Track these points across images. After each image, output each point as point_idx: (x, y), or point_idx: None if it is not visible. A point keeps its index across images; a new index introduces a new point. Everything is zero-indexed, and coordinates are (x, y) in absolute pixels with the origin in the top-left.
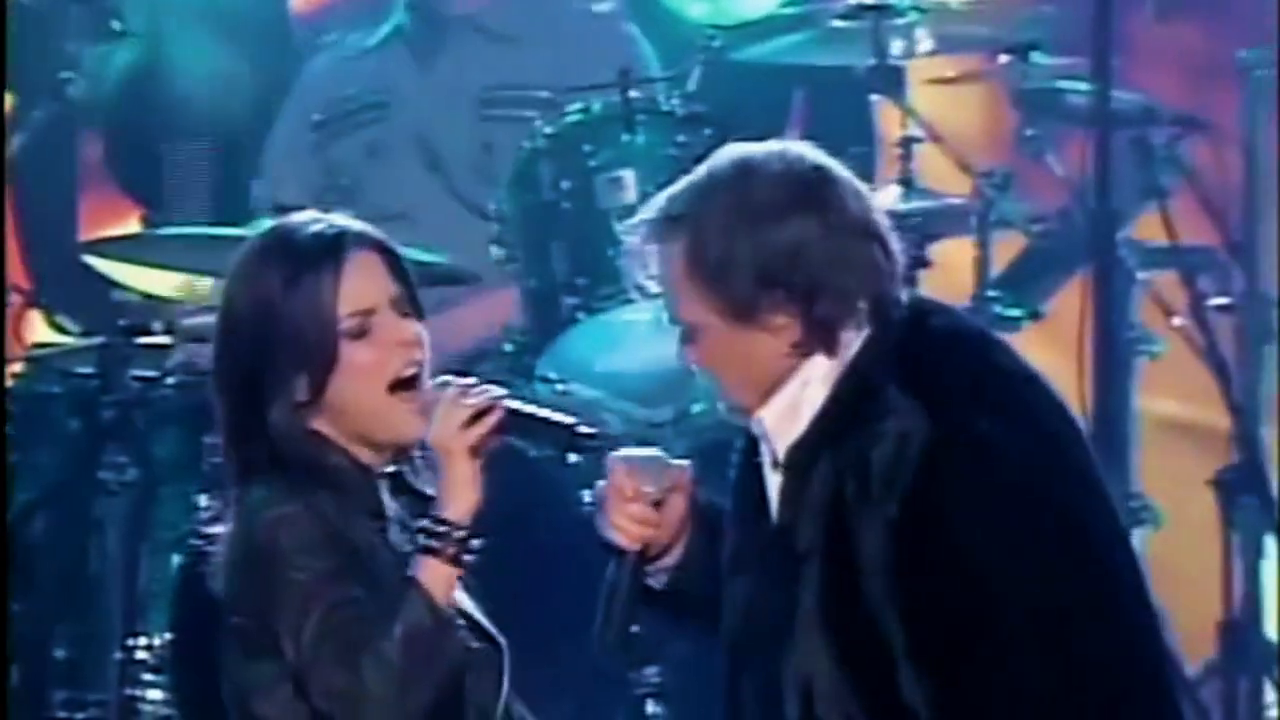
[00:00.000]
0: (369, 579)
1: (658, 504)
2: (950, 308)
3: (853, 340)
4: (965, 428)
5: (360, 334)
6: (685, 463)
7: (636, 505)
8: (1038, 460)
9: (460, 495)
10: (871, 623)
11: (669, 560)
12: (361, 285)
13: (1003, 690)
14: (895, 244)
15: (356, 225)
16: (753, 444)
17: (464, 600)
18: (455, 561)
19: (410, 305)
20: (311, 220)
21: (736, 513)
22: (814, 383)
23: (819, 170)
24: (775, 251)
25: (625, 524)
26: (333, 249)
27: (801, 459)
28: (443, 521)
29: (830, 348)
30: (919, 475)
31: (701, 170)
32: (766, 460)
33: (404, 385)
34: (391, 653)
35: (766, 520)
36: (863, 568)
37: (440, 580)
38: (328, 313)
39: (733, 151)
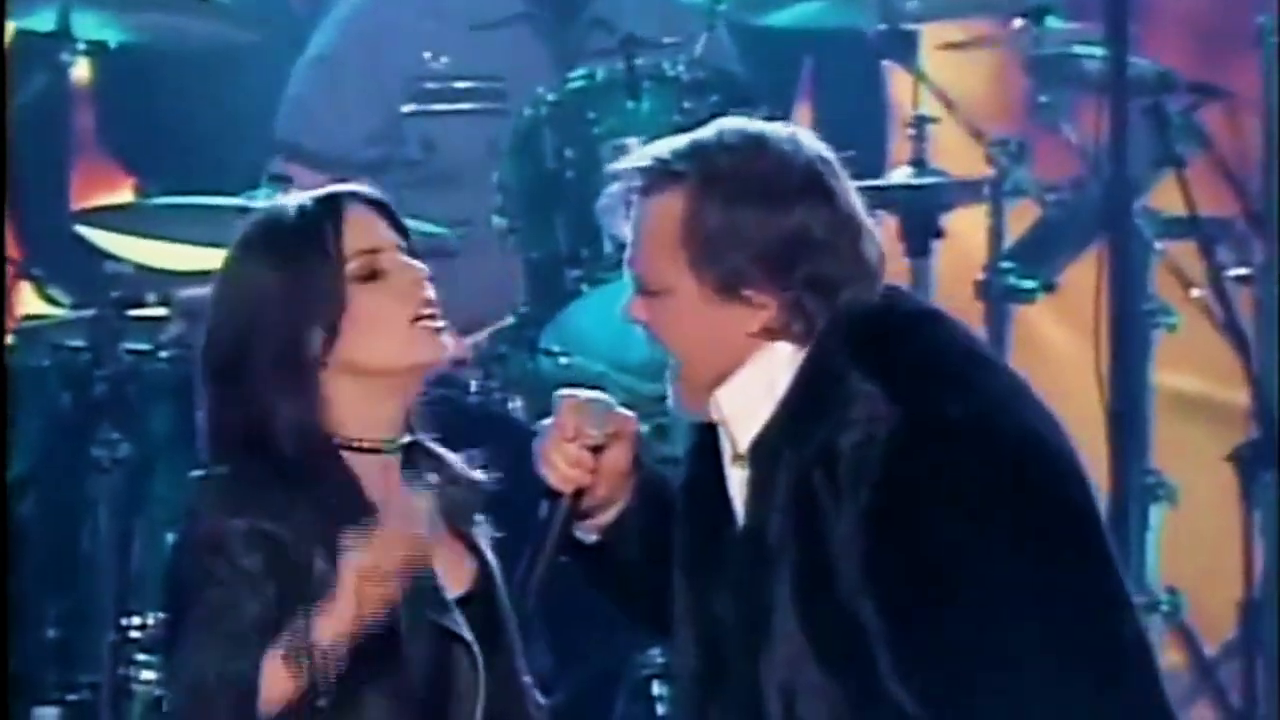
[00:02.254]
0: (294, 588)
1: (599, 450)
2: (903, 289)
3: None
4: (931, 411)
5: (370, 276)
6: (631, 413)
7: (573, 445)
8: (1008, 441)
9: (333, 615)
10: (848, 616)
11: (603, 518)
12: (363, 231)
13: (984, 674)
14: (881, 243)
15: (350, 186)
16: (705, 440)
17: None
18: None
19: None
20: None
21: (691, 514)
22: (775, 368)
23: (825, 161)
24: (780, 234)
25: (559, 462)
26: (329, 204)
27: (765, 452)
28: (308, 636)
29: (804, 338)
30: (888, 461)
31: (707, 131)
32: (727, 454)
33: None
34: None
35: (729, 522)
36: (836, 561)
37: (277, 682)
38: (333, 256)
39: (741, 122)
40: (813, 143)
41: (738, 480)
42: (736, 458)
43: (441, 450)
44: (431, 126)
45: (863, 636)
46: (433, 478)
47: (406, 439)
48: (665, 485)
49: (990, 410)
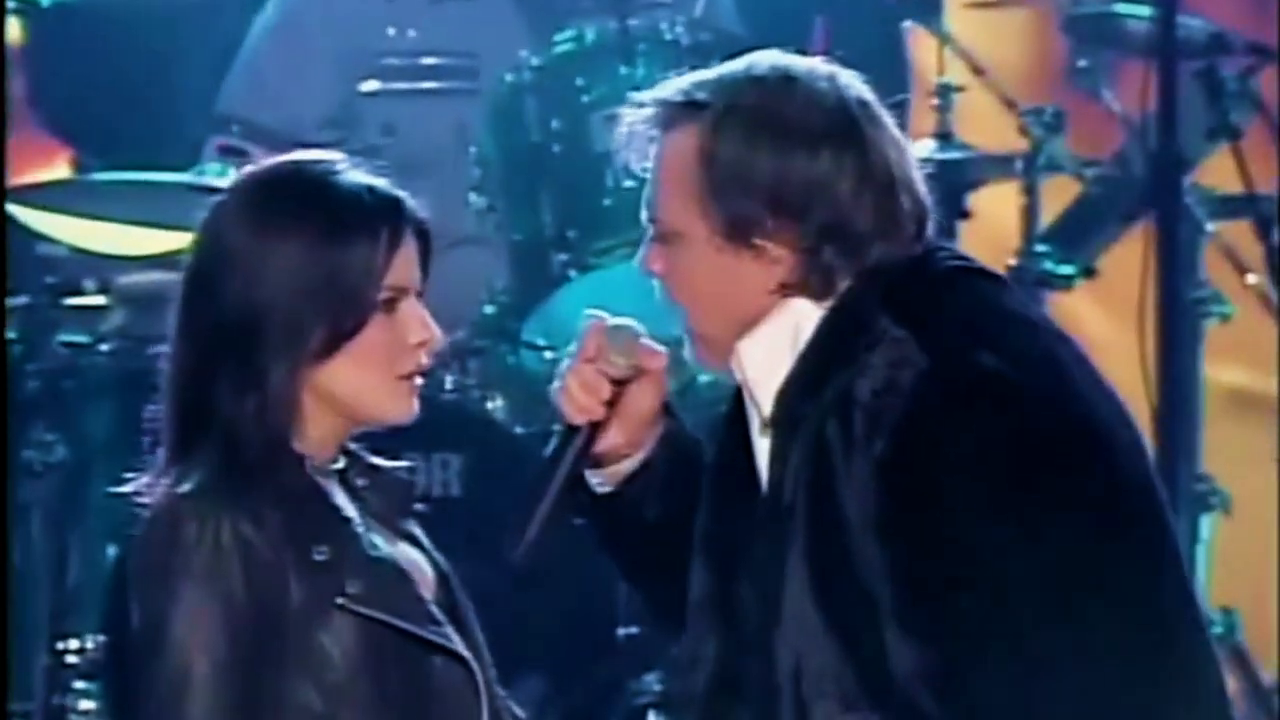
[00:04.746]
0: (263, 609)
1: (622, 385)
2: (949, 245)
3: (844, 285)
4: (964, 360)
5: (388, 309)
6: (661, 348)
7: (591, 369)
8: (1047, 406)
9: None
10: (859, 582)
11: (620, 467)
12: (405, 263)
13: (998, 654)
14: (927, 203)
15: (407, 199)
16: (737, 410)
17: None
18: None
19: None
20: (354, 171)
21: (718, 491)
22: (801, 322)
23: (865, 106)
24: (798, 180)
25: (574, 387)
26: (395, 211)
27: (788, 407)
28: None
29: (822, 295)
30: (909, 410)
31: (739, 64)
32: (754, 424)
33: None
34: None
35: (755, 497)
36: (848, 519)
37: None
38: (378, 273)
39: (778, 56)
40: (855, 84)
41: (764, 450)
42: (764, 426)
43: (375, 459)
44: (394, 107)
45: (873, 608)
46: (361, 482)
47: (342, 463)
48: (697, 447)
49: (1031, 371)
